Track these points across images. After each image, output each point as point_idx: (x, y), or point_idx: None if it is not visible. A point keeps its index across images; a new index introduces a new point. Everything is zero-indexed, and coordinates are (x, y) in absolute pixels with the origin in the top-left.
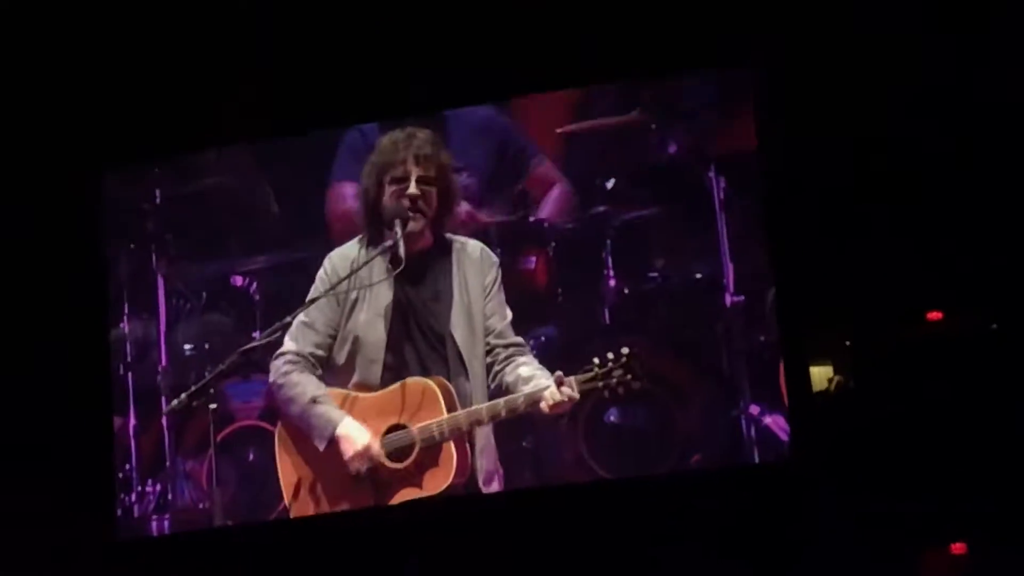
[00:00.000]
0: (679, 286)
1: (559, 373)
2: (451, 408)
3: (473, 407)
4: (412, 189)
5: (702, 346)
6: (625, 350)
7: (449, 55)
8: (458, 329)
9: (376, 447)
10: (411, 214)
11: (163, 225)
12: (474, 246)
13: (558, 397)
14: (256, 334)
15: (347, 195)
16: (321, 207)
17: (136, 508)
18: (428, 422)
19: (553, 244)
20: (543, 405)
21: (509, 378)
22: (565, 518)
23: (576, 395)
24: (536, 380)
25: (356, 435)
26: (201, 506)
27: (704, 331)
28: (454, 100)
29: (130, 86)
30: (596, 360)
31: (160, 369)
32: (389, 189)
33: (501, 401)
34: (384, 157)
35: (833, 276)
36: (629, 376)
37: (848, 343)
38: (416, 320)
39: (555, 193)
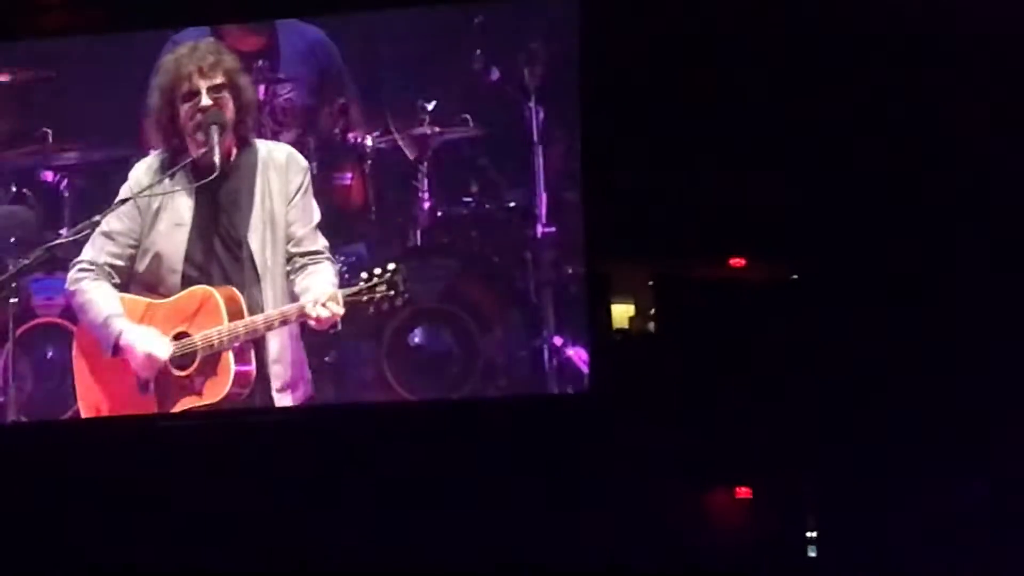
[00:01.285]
0: (492, 213)
1: (333, 292)
2: (235, 317)
3: (251, 317)
4: (204, 101)
5: (510, 274)
6: (391, 266)
7: None
8: (255, 235)
9: (161, 352)
10: (216, 125)
11: None
12: (281, 150)
13: (316, 312)
14: (63, 231)
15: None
16: (133, 111)
17: None
18: (209, 330)
19: (369, 162)
20: (308, 319)
21: (298, 288)
22: (360, 436)
23: (340, 311)
24: (312, 292)
25: (138, 342)
26: None
27: (513, 259)
28: (284, 12)
29: None
30: (363, 275)
31: None
32: (183, 107)
33: (275, 312)
34: (169, 76)
35: (643, 215)
36: (392, 292)
37: (651, 283)
38: (217, 228)
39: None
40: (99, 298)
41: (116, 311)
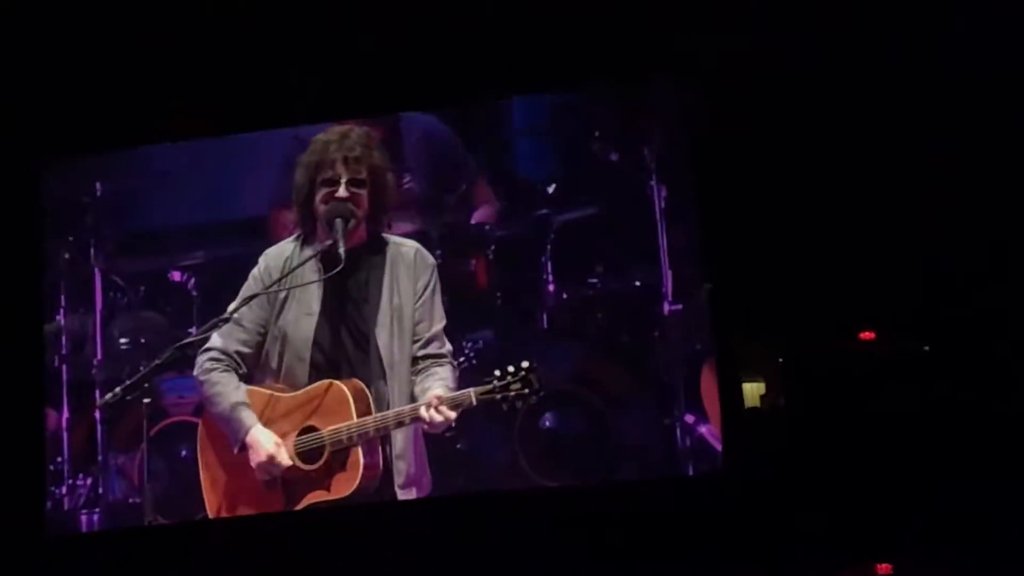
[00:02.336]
0: (618, 292)
1: (468, 392)
2: (363, 412)
3: (381, 413)
4: (341, 192)
5: (639, 353)
6: (525, 364)
7: (404, 59)
8: (382, 331)
9: (283, 456)
10: (341, 219)
11: (102, 219)
12: (409, 247)
13: (433, 417)
14: (192, 330)
15: (287, 220)
16: (260, 205)
17: (66, 501)
18: (338, 425)
19: (493, 247)
20: (421, 423)
21: (418, 388)
22: (492, 525)
23: (452, 415)
24: (432, 393)
25: (263, 443)
26: (131, 501)
27: (641, 338)
28: (405, 104)
29: (72, 79)
30: (497, 372)
31: (95, 363)
32: (320, 191)
33: (407, 408)
34: (315, 157)
35: (770, 290)
36: (527, 390)
37: (780, 359)
38: (344, 320)
39: (484, 211)
40: (228, 390)
41: (244, 403)
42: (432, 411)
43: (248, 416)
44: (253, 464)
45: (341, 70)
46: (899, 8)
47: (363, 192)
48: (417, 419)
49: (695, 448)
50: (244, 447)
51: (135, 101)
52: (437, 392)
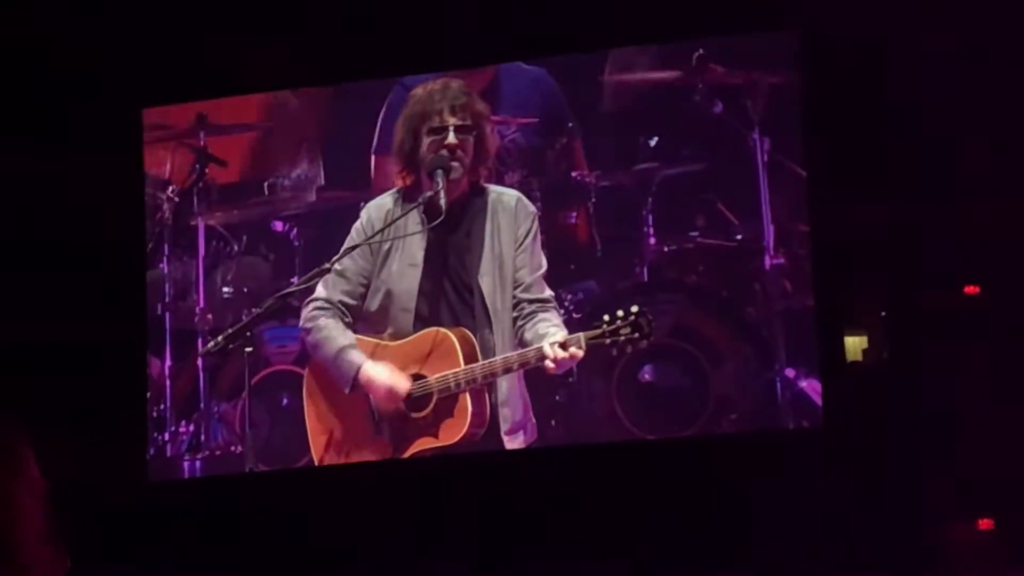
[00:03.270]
0: (719, 246)
1: (574, 336)
2: (470, 359)
3: (489, 359)
4: (451, 139)
5: (740, 307)
6: (635, 308)
7: (503, 11)
8: (486, 279)
9: (399, 382)
10: (452, 164)
11: (205, 167)
12: (510, 196)
13: (559, 354)
14: (294, 279)
15: (390, 168)
16: (365, 156)
17: (169, 448)
18: (445, 372)
19: (594, 200)
20: (547, 362)
21: (528, 334)
22: (591, 476)
23: (580, 353)
24: (551, 337)
25: (378, 375)
26: (233, 449)
27: (742, 292)
28: (501, 56)
29: (177, 27)
30: (606, 317)
31: (197, 311)
32: (427, 140)
33: (514, 355)
34: (420, 107)
35: (874, 244)
36: (636, 334)
37: (883, 313)
38: (447, 270)
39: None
40: (336, 334)
41: (353, 345)
42: (558, 349)
43: (357, 355)
44: (373, 400)
45: (441, 19)
46: None
47: (470, 138)
48: (526, 363)
49: (795, 402)
50: (356, 386)
51: (236, 48)
52: (554, 335)
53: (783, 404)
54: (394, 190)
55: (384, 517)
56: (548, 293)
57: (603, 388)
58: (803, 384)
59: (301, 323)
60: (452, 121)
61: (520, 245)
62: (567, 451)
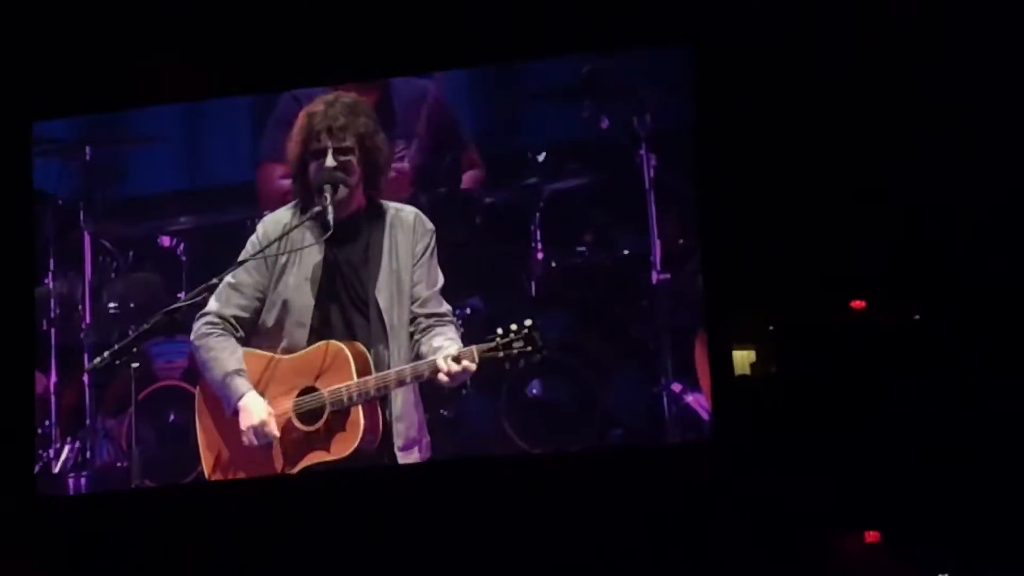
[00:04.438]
0: (606, 261)
1: (467, 348)
2: (363, 373)
3: (382, 372)
4: (329, 161)
5: (627, 322)
6: (528, 322)
7: (392, 24)
8: (383, 294)
9: (272, 425)
10: (337, 181)
11: (91, 183)
12: (409, 212)
13: (453, 367)
14: (181, 295)
15: (275, 175)
16: (251, 171)
17: (54, 465)
18: (338, 386)
19: (482, 215)
20: (440, 375)
21: (424, 348)
22: (481, 489)
23: (472, 367)
24: (445, 350)
25: (254, 411)
26: (119, 465)
27: (629, 307)
28: (396, 69)
29: (60, 41)
30: (499, 331)
31: (84, 327)
32: (311, 163)
33: (407, 368)
34: (302, 131)
35: (761, 259)
36: (529, 348)
37: (771, 327)
38: (344, 284)
39: (472, 175)
40: (224, 356)
41: (240, 370)
42: (451, 362)
43: (242, 383)
44: (243, 428)
45: (333, 32)
46: None
47: (351, 159)
48: (420, 377)
49: (682, 416)
50: (237, 413)
51: (123, 62)
52: (449, 348)
53: (670, 418)
54: (291, 204)
55: (274, 531)
56: (445, 308)
57: (491, 403)
58: (689, 398)
59: (192, 337)
60: (330, 144)
61: (418, 261)
62: (455, 465)
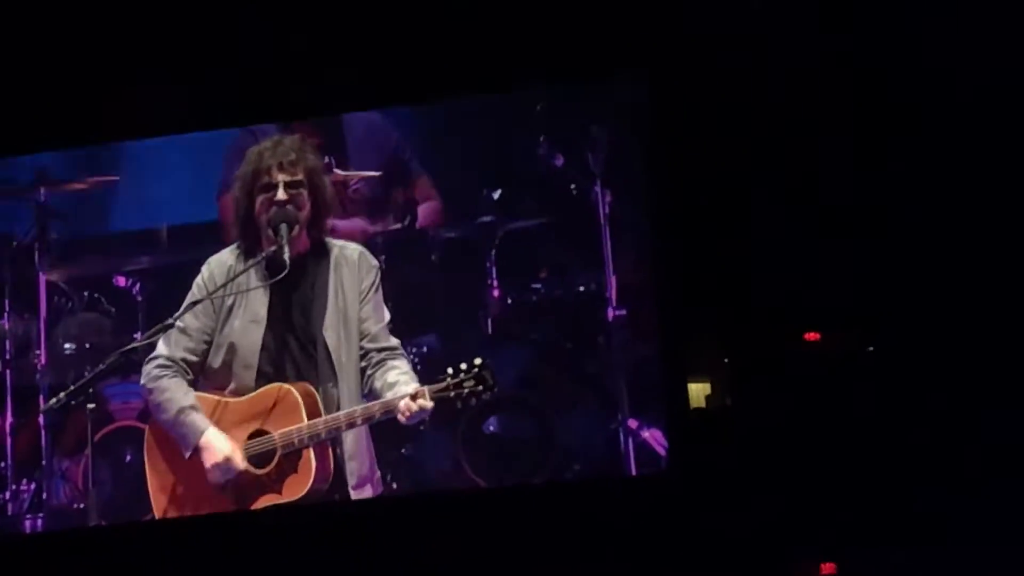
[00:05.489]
0: (562, 297)
1: (421, 388)
2: (313, 414)
3: (333, 414)
4: (280, 194)
5: (583, 358)
6: (478, 361)
7: (347, 60)
8: (330, 333)
9: (237, 459)
10: (286, 225)
11: (46, 224)
12: (353, 250)
13: (411, 406)
14: (137, 335)
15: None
16: (208, 209)
17: (10, 507)
18: (289, 428)
19: (438, 252)
20: (398, 415)
21: (378, 383)
22: (438, 525)
23: (429, 405)
24: (398, 387)
25: (218, 446)
26: (76, 506)
27: (586, 344)
28: (348, 105)
29: (12, 81)
30: (449, 370)
31: (39, 367)
32: (259, 199)
33: (359, 408)
34: (250, 167)
35: (714, 292)
36: (480, 387)
37: (726, 360)
38: (291, 325)
39: (428, 207)
40: (178, 395)
41: (195, 407)
42: (409, 401)
43: (201, 420)
44: (208, 466)
45: (288, 69)
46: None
47: (302, 193)
48: (370, 418)
49: (639, 453)
50: (197, 451)
51: (78, 101)
52: (404, 383)
53: (627, 454)
54: (234, 245)
55: (233, 569)
56: (395, 341)
57: (449, 440)
58: (645, 434)
59: (142, 381)
60: (281, 178)
61: (364, 297)
62: (413, 501)
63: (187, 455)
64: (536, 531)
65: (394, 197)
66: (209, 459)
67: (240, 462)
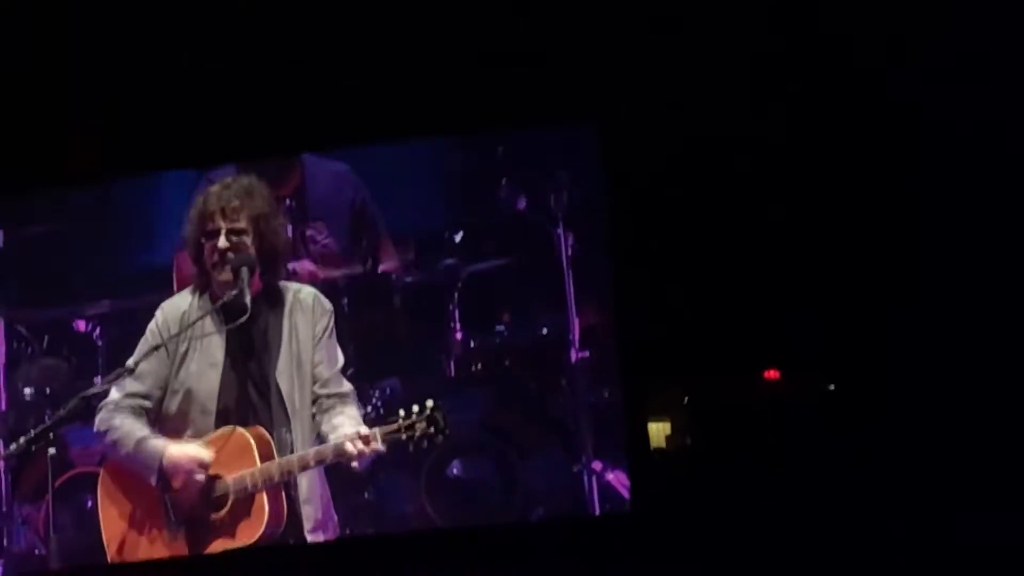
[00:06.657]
0: (525, 340)
1: (372, 430)
2: (266, 458)
3: (285, 457)
4: (221, 242)
5: (547, 401)
6: (429, 403)
7: (307, 100)
8: (284, 377)
9: (205, 454)
10: (246, 266)
11: (5, 268)
12: (307, 293)
13: (361, 448)
14: (98, 379)
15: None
16: (167, 252)
17: None
18: (242, 472)
19: (400, 296)
20: (350, 460)
21: (325, 427)
22: (401, 568)
23: (380, 448)
24: (343, 429)
25: (185, 452)
26: (37, 552)
27: (549, 386)
28: (307, 145)
29: None
30: (402, 412)
31: None
32: (205, 244)
33: (311, 452)
34: (197, 211)
35: (675, 333)
36: (432, 429)
37: (687, 399)
38: (247, 369)
39: (390, 253)
40: (134, 428)
41: (152, 435)
42: (359, 443)
43: (160, 442)
44: (179, 484)
45: (248, 110)
46: (802, 52)
47: (245, 239)
48: (323, 460)
49: (603, 494)
50: (163, 473)
51: (37, 145)
52: (351, 428)
53: (591, 496)
54: (188, 289)
55: None
56: (347, 387)
57: (412, 484)
58: (609, 476)
59: (96, 426)
60: (224, 225)
61: (318, 341)
62: (376, 542)
63: (152, 481)
64: (502, 573)
65: (356, 241)
66: (179, 471)
67: (206, 455)
